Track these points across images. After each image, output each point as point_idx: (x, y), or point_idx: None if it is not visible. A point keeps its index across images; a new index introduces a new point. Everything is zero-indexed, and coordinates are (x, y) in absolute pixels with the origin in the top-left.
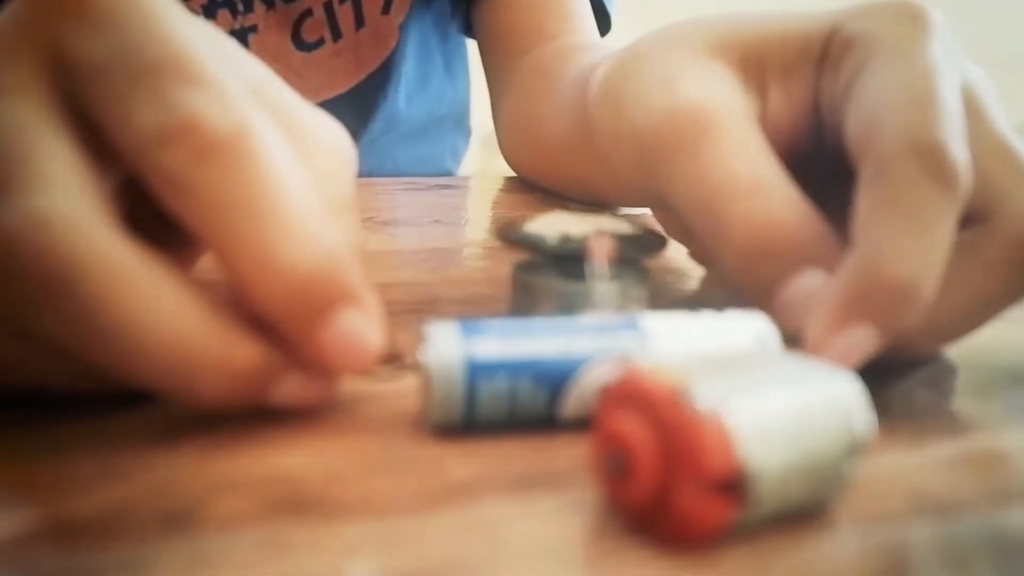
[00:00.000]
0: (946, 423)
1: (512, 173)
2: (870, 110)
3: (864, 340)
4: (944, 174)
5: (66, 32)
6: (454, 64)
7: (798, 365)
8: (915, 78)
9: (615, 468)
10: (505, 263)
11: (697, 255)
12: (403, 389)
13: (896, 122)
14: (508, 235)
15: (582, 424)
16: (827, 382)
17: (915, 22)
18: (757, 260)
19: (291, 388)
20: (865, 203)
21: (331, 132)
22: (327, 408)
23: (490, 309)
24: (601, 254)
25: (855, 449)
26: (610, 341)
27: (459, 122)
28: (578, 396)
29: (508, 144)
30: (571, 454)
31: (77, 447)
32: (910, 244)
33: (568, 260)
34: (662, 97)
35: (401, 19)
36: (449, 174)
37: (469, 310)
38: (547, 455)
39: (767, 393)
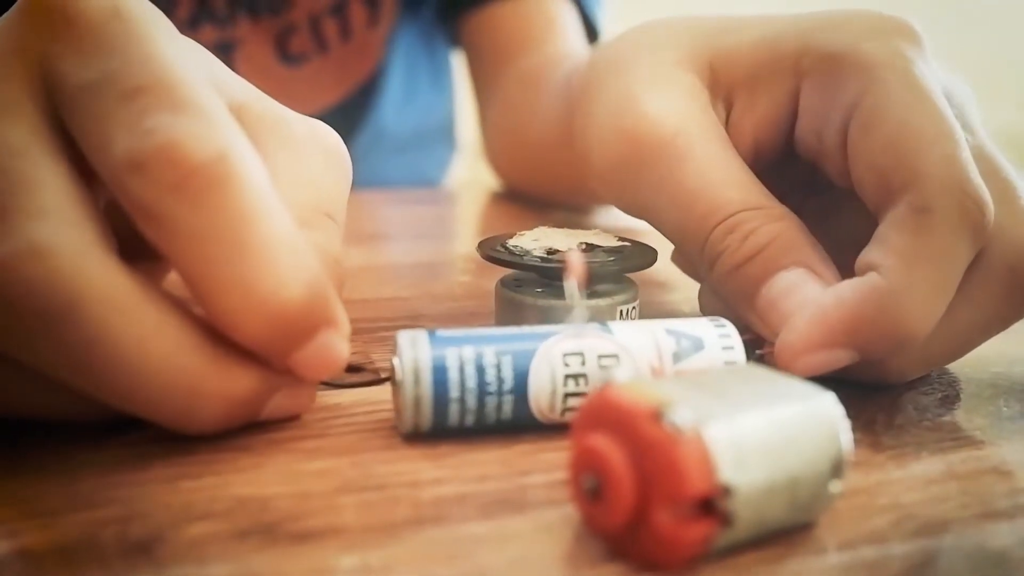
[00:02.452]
0: (930, 438)
1: (497, 184)
2: (897, 144)
3: (840, 361)
4: (981, 225)
5: (55, 52)
6: (440, 76)
7: (776, 382)
8: (933, 111)
9: (590, 489)
10: (488, 278)
11: (688, 271)
12: (373, 407)
13: (934, 163)
14: (491, 252)
15: (559, 431)
16: (808, 400)
17: (908, 41)
18: (734, 273)
19: (279, 403)
20: (898, 239)
21: (323, 140)
22: (296, 427)
23: (473, 324)
24: (577, 270)
25: (838, 468)
26: (574, 333)
27: (445, 134)
28: (547, 367)
29: (493, 152)
30: (546, 475)
31: (40, 474)
32: (934, 299)
33: (553, 276)
34: (624, 115)
35: (388, 32)
36: (436, 186)
37: (451, 325)
38: (521, 476)
39: (747, 412)
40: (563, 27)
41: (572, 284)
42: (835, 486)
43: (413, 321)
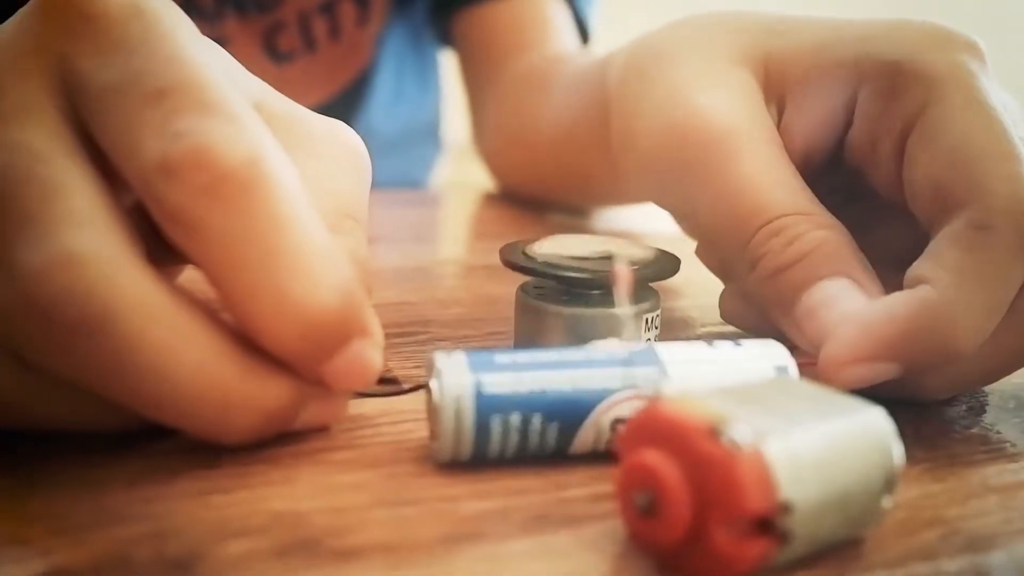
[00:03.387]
0: (961, 450)
1: (487, 184)
2: (960, 158)
3: (886, 374)
4: None
5: (74, 51)
6: (427, 76)
7: (823, 396)
8: (998, 128)
9: (644, 506)
10: (493, 283)
11: (717, 269)
12: (399, 417)
13: (997, 180)
14: (514, 260)
15: (595, 455)
16: (859, 414)
17: (971, 55)
18: (775, 278)
19: (311, 414)
20: (954, 254)
21: (342, 138)
22: (323, 439)
23: (481, 330)
24: (625, 280)
25: (890, 483)
26: (627, 375)
27: (432, 134)
28: (593, 431)
29: (492, 152)
30: (586, 488)
31: (64, 488)
32: (985, 317)
33: (575, 283)
34: (675, 108)
35: (377, 31)
36: (423, 186)
37: (462, 333)
38: (560, 489)
39: (802, 427)
40: (558, 27)
41: (622, 294)
42: (887, 501)
43: (424, 328)
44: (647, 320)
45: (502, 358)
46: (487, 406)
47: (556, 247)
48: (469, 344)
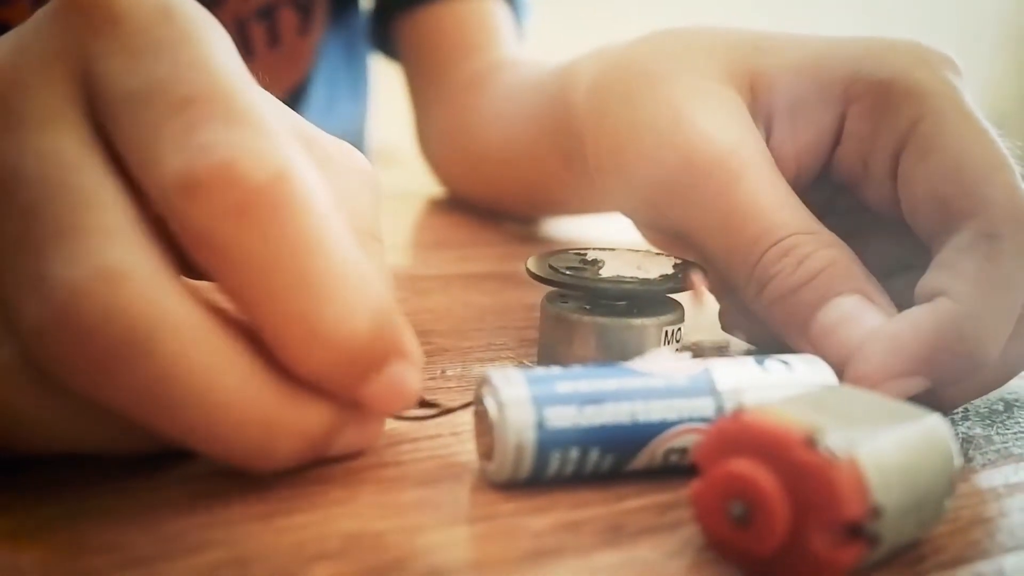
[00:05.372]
0: (971, 453)
1: (413, 189)
2: (959, 171)
3: (916, 388)
4: None
5: (99, 54)
6: (358, 85)
7: (886, 404)
8: (989, 141)
9: (739, 515)
10: (475, 293)
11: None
12: (434, 431)
13: (999, 190)
14: (545, 274)
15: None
16: (924, 420)
17: (952, 71)
18: (788, 298)
19: (348, 437)
20: (968, 265)
21: (353, 158)
22: (365, 456)
23: (481, 341)
24: (700, 288)
25: (953, 485)
26: (685, 407)
27: (359, 142)
28: (646, 459)
29: (439, 158)
30: (644, 499)
31: (113, 517)
32: (1006, 324)
33: (599, 295)
34: (675, 131)
35: (317, 40)
36: None
37: (465, 344)
38: (620, 501)
39: (883, 433)
40: (502, 30)
41: (702, 300)
42: (948, 503)
43: (425, 339)
44: (668, 332)
45: (563, 386)
46: (548, 441)
47: (579, 262)
48: (474, 355)
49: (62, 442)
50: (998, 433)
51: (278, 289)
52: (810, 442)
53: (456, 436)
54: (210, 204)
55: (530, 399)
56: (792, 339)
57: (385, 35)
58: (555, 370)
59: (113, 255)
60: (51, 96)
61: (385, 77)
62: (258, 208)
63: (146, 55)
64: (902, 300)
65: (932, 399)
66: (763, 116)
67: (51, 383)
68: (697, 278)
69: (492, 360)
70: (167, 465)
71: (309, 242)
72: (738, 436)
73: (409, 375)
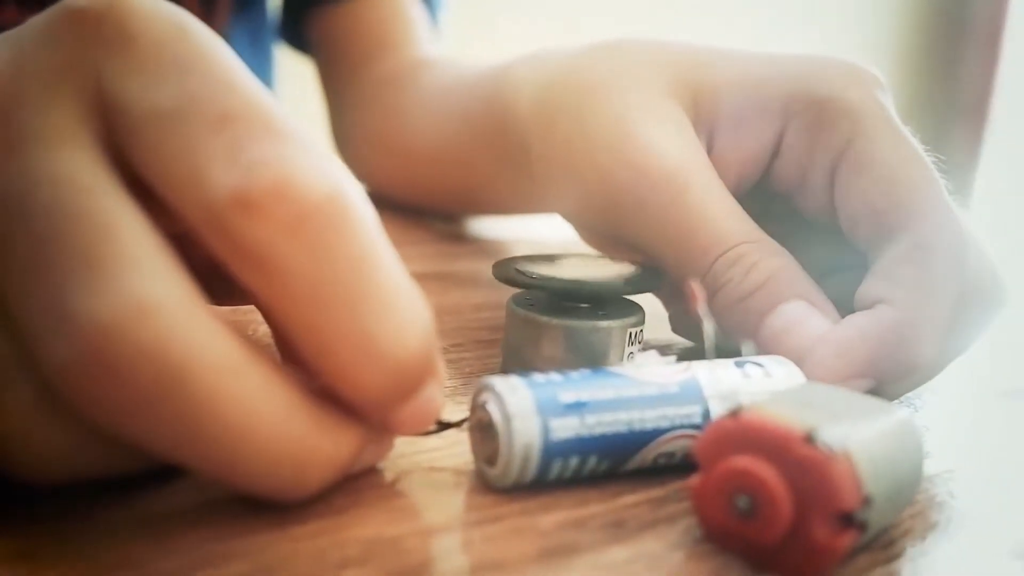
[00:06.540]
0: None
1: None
2: (890, 186)
3: (862, 388)
4: (967, 256)
5: (114, 71)
6: (263, 77)
7: (861, 399)
8: (916, 156)
9: (745, 508)
10: (436, 295)
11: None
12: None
13: (928, 203)
14: (514, 276)
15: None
16: (895, 414)
17: (880, 89)
18: (738, 306)
19: (367, 456)
20: (906, 273)
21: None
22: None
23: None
24: (701, 299)
25: (921, 474)
26: (676, 415)
27: None
28: (638, 462)
29: (359, 157)
30: (639, 495)
31: (130, 534)
32: (943, 327)
33: (566, 297)
34: (624, 146)
35: (220, 31)
36: None
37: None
38: (617, 497)
39: (868, 428)
40: (419, 27)
41: (703, 310)
42: (918, 489)
43: None
44: (631, 334)
45: (565, 395)
46: (552, 451)
47: (544, 264)
48: (462, 354)
49: (79, 469)
50: (945, 424)
51: (332, 307)
52: (809, 438)
53: (444, 438)
54: (267, 221)
55: (536, 410)
56: (743, 342)
57: (296, 29)
58: (555, 377)
59: (142, 288)
60: (59, 115)
61: (292, 70)
62: (315, 224)
63: (170, 72)
64: (836, 300)
65: (874, 394)
66: (705, 129)
67: (72, 416)
68: (696, 288)
69: (455, 362)
70: (172, 475)
71: (366, 258)
72: (739, 434)
73: (437, 395)
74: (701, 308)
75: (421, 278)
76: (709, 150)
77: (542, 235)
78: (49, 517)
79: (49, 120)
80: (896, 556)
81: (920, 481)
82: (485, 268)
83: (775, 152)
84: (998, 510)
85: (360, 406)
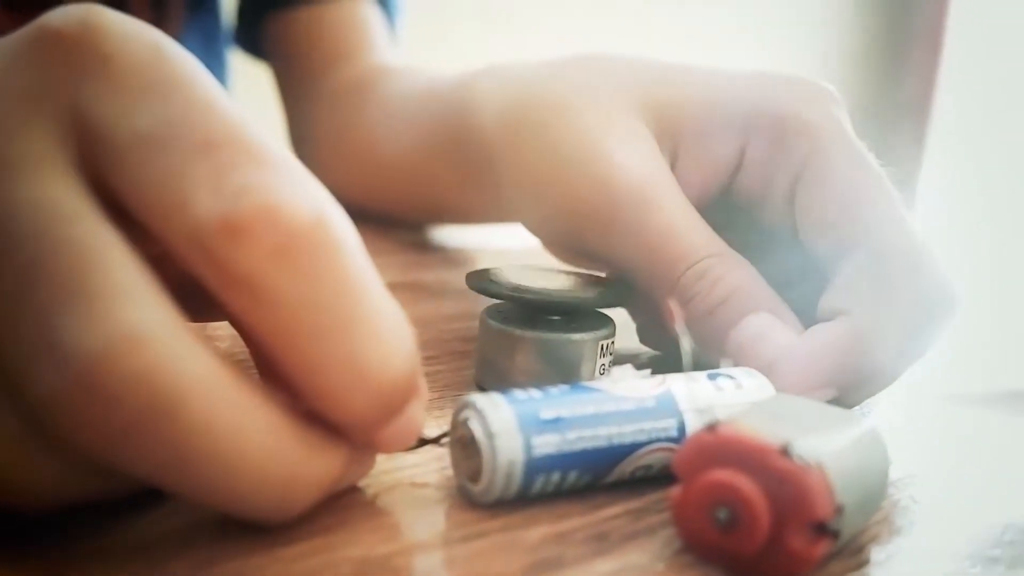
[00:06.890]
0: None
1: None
2: (847, 201)
3: (826, 397)
4: (924, 267)
5: (91, 96)
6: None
7: (829, 410)
8: (872, 172)
9: (726, 520)
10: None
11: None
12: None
13: (884, 218)
14: (489, 288)
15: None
16: (862, 424)
17: (837, 106)
18: (706, 318)
19: (350, 475)
20: (865, 285)
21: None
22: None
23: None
24: (680, 315)
25: (887, 482)
26: (653, 429)
27: None
28: (616, 476)
29: (318, 164)
30: (619, 507)
31: (120, 561)
32: (902, 337)
33: (542, 310)
34: (591, 162)
35: (172, 36)
36: None
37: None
38: (598, 510)
39: (837, 439)
40: (378, 35)
41: (681, 327)
42: (884, 497)
43: None
44: (603, 346)
45: (546, 412)
46: (534, 467)
47: (517, 276)
48: (436, 366)
49: (68, 496)
50: (906, 429)
51: (319, 332)
52: (784, 451)
53: (420, 454)
54: (254, 247)
55: (518, 426)
56: (711, 352)
57: (252, 34)
58: (535, 394)
59: (131, 316)
60: (35, 140)
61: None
62: (302, 250)
63: (151, 96)
64: (797, 309)
65: (836, 401)
66: (669, 145)
67: (60, 447)
68: (674, 306)
69: (430, 375)
70: (161, 498)
71: (352, 282)
72: (717, 448)
73: (420, 414)
74: (679, 326)
75: (391, 288)
76: (672, 165)
77: (506, 244)
78: (41, 545)
79: (24, 146)
80: (865, 562)
81: (886, 488)
82: (454, 278)
83: (737, 167)
84: (958, 513)
85: (346, 427)
